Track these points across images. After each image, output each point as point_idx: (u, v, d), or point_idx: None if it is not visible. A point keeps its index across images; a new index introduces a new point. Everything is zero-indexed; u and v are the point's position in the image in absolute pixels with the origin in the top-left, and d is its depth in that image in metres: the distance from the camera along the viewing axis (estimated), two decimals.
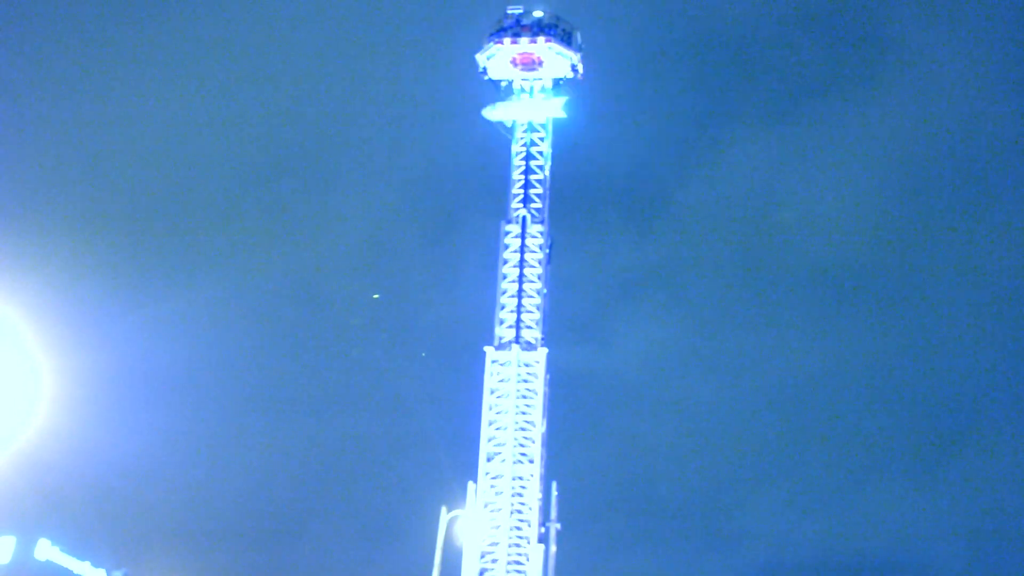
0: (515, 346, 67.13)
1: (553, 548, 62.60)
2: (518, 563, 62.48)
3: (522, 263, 69.43)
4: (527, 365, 66.80)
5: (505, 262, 69.57)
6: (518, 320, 68.05)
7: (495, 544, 62.73)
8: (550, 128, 73.61)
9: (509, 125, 73.69)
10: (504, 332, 67.92)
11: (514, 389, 66.01)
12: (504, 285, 68.92)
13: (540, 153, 72.60)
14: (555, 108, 73.47)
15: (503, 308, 68.79)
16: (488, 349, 67.26)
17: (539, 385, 66.23)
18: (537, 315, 68.42)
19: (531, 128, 73.21)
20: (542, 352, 67.00)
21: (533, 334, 67.79)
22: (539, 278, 69.17)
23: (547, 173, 72.34)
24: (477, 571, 61.95)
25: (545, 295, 68.75)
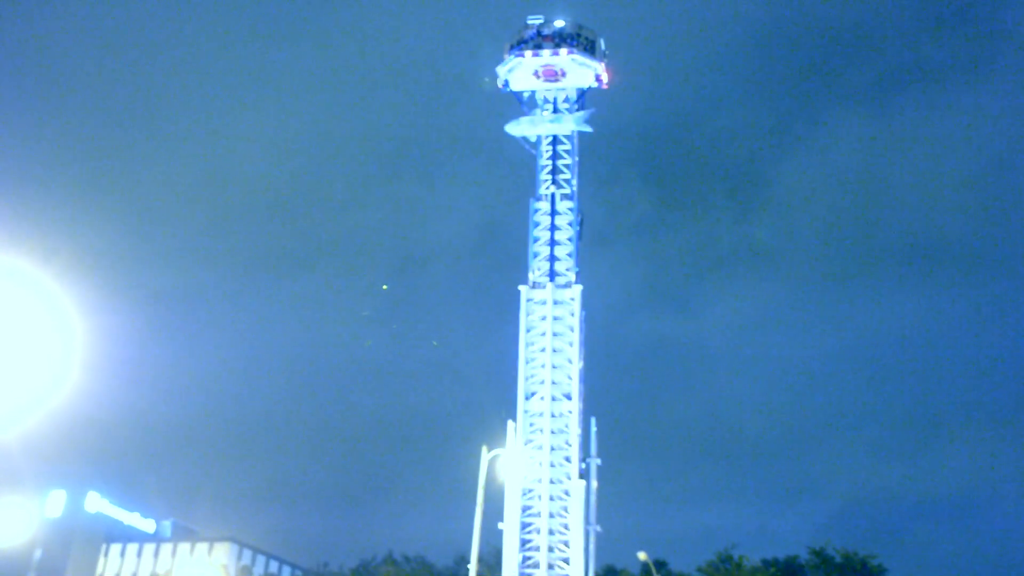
0: (549, 284, 66.97)
1: (595, 483, 62.84)
2: (560, 498, 62.81)
3: (554, 211, 69.05)
4: (562, 303, 66.64)
5: (536, 224, 69.23)
6: (551, 256, 67.79)
7: (537, 481, 63.06)
8: (576, 140, 71.95)
9: (533, 140, 72.02)
10: (537, 271, 67.82)
11: (550, 327, 65.95)
12: (536, 249, 68.66)
13: (567, 167, 70.94)
14: (579, 122, 71.66)
15: (537, 241, 68.63)
16: (522, 288, 67.10)
17: (575, 322, 66.09)
18: (570, 247, 68.12)
19: (556, 141, 71.52)
20: (576, 289, 66.75)
21: (567, 271, 67.54)
22: (570, 225, 68.71)
23: (575, 181, 70.75)
24: (519, 508, 62.34)
25: (578, 272, 68.15)
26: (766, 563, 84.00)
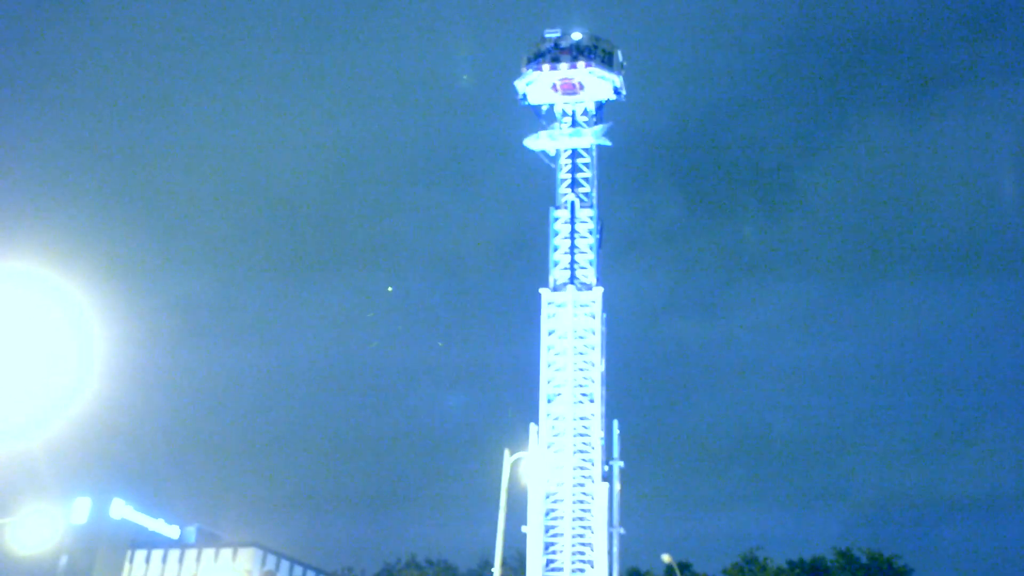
0: (570, 287, 66.84)
1: (618, 486, 62.66)
2: (583, 502, 62.65)
3: (573, 218, 69.00)
4: (583, 305, 66.53)
5: (557, 233, 69.13)
6: (572, 262, 67.68)
7: (560, 484, 62.92)
8: (594, 152, 71.50)
9: (552, 154, 71.70)
10: (559, 274, 67.78)
11: (571, 330, 65.83)
12: (556, 258, 68.61)
13: (586, 179, 70.53)
14: (597, 135, 71.23)
15: (557, 249, 68.55)
16: (543, 291, 66.99)
17: (596, 324, 65.92)
18: (591, 255, 68.00)
19: (575, 154, 71.14)
20: (597, 291, 66.61)
21: (588, 275, 67.47)
22: (590, 232, 68.63)
23: (595, 192, 70.35)
24: (543, 511, 62.22)
25: (599, 276, 67.97)
26: (791, 564, 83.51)
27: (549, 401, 64.48)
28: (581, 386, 64.74)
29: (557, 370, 65.21)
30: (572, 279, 67.24)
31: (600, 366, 65.03)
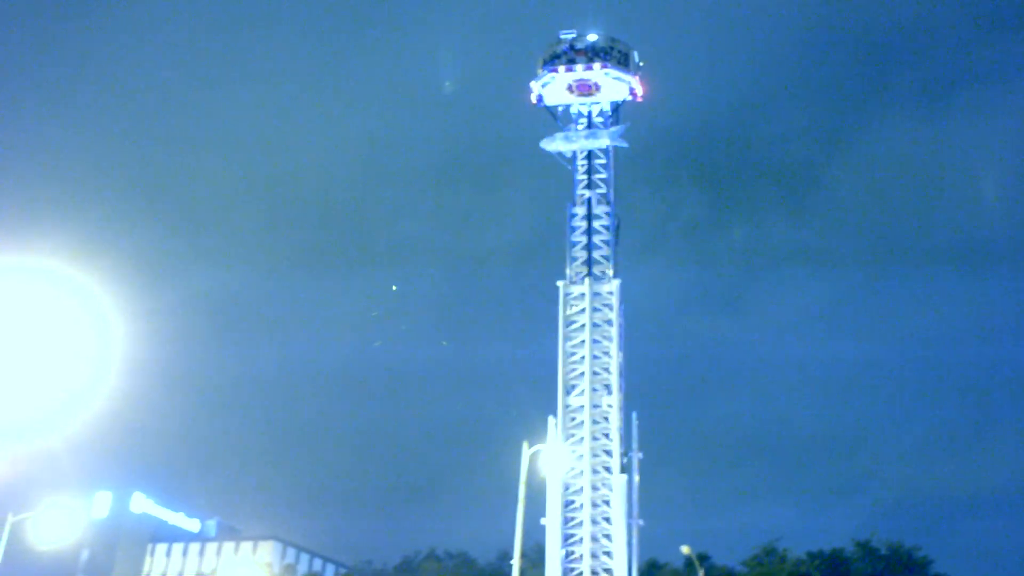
0: (587, 279, 66.89)
1: (636, 477, 62.68)
2: (602, 492, 62.65)
3: (590, 214, 69.05)
4: (600, 297, 66.54)
5: (575, 229, 69.18)
6: (590, 259, 67.75)
7: (579, 475, 62.95)
8: (611, 153, 71.35)
9: (569, 156, 71.52)
10: (576, 268, 67.84)
11: (589, 321, 65.89)
12: (575, 254, 68.68)
13: (603, 181, 70.52)
14: (614, 137, 71.05)
15: (576, 245, 68.58)
16: (561, 283, 67.07)
17: (614, 316, 65.95)
18: (608, 250, 68.02)
19: (592, 155, 71.05)
20: (614, 283, 66.62)
21: (605, 269, 67.50)
22: (606, 228, 68.69)
23: (612, 194, 70.20)
24: (561, 502, 62.25)
25: (616, 269, 68.03)
26: (811, 556, 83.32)
27: (567, 393, 64.56)
28: (598, 376, 64.79)
29: (575, 362, 65.25)
30: (590, 272, 67.33)
31: (618, 357, 65.03)
